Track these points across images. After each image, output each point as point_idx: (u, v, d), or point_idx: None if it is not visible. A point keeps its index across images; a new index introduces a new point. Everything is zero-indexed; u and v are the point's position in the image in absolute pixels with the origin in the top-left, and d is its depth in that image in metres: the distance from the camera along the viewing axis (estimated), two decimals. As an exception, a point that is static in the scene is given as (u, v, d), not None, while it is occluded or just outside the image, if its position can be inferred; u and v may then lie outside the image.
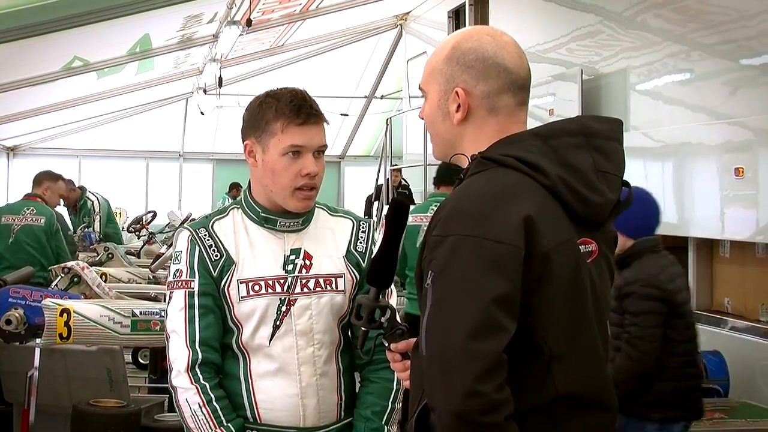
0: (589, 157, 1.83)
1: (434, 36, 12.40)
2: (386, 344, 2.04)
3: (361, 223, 2.63)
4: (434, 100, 1.92)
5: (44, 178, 8.07)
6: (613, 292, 2.98)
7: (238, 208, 2.56)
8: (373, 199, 12.97)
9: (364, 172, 17.62)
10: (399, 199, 2.08)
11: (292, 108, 2.42)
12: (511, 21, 8.84)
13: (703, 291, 5.79)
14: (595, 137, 1.86)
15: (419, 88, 1.98)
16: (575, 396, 1.79)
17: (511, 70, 1.87)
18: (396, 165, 12.45)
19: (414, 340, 2.03)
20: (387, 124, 12.43)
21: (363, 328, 2.07)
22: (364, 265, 2.56)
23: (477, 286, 1.66)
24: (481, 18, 10.83)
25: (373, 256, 2.10)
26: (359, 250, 2.58)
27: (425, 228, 1.89)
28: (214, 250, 2.47)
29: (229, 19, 10.15)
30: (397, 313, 2.05)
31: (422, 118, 1.97)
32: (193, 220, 2.63)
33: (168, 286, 2.52)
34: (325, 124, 2.50)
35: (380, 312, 2.01)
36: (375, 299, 2.01)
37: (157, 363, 6.30)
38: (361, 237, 2.60)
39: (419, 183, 11.44)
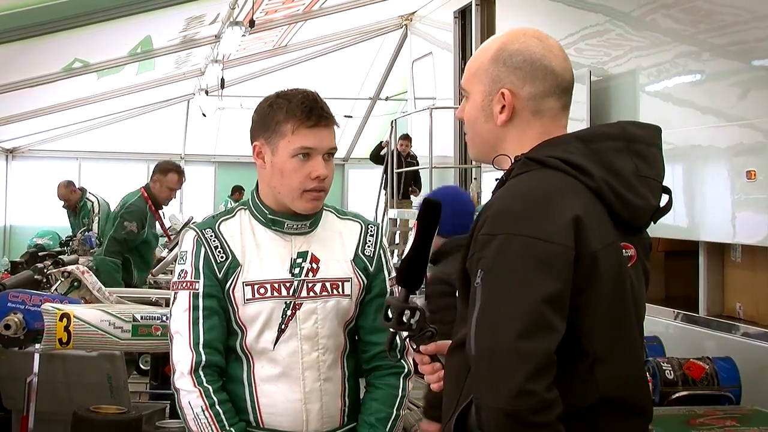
0: (630, 161, 1.86)
1: (440, 37, 12.39)
2: (414, 346, 2.05)
3: (369, 226, 2.64)
4: (477, 101, 1.93)
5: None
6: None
7: (245, 209, 2.57)
8: (377, 159, 12.75)
9: (369, 175, 17.62)
10: (432, 199, 2.05)
11: (303, 110, 2.43)
12: (518, 21, 8.84)
13: (714, 296, 5.77)
14: (636, 142, 1.88)
15: (461, 87, 1.99)
16: (617, 399, 1.81)
17: (557, 73, 1.90)
18: (407, 135, 12.35)
19: (445, 342, 2.04)
20: (392, 126, 12.43)
21: (391, 330, 2.06)
22: (371, 269, 2.57)
23: (528, 286, 1.68)
24: (488, 18, 10.83)
25: (403, 256, 2.08)
26: (367, 254, 2.58)
27: None
28: (219, 252, 2.47)
29: (231, 19, 10.15)
30: (426, 315, 2.03)
31: (460, 119, 1.99)
32: (196, 222, 2.63)
33: (172, 286, 2.52)
34: (335, 126, 2.51)
35: (410, 314, 2.00)
36: (404, 300, 2.01)
37: (159, 369, 6.30)
38: (369, 241, 2.60)
39: (425, 185, 11.44)
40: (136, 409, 4.66)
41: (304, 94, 2.47)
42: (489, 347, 1.69)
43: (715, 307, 5.76)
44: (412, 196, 11.96)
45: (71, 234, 10.35)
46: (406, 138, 12.15)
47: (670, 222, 6.11)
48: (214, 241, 2.48)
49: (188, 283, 2.46)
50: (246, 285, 2.45)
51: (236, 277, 2.46)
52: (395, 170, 12.03)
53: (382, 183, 13.14)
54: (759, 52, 5.37)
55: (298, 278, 2.48)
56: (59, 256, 7.26)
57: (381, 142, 12.80)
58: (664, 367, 4.65)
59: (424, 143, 11.03)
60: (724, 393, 4.69)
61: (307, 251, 2.51)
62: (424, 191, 11.33)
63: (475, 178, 10.64)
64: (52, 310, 4.37)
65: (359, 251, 2.57)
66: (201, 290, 2.45)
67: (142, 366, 7.63)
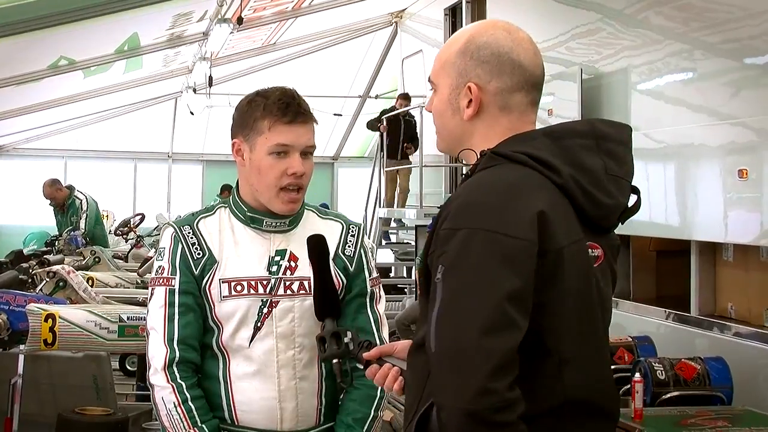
0: (599, 160, 1.84)
1: (430, 34, 12.40)
2: (359, 364, 2.12)
3: (350, 226, 2.65)
4: (444, 94, 1.92)
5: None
6: None
7: (225, 207, 2.60)
8: (375, 125, 12.49)
9: (358, 174, 17.59)
10: (313, 237, 2.42)
11: (280, 106, 2.45)
12: (509, 18, 8.79)
13: (705, 296, 5.78)
14: (606, 140, 1.86)
15: (429, 80, 1.97)
16: (583, 401, 1.79)
17: (526, 68, 1.87)
18: (407, 93, 12.24)
19: (388, 345, 2.09)
20: (381, 123, 12.41)
21: (334, 360, 2.17)
22: (351, 269, 2.59)
23: (490, 281, 1.66)
24: (478, 15, 10.84)
25: (313, 292, 2.29)
26: (347, 254, 2.60)
27: None
28: (196, 248, 2.50)
29: (219, 16, 10.14)
30: (355, 333, 2.18)
31: (429, 111, 1.97)
32: (175, 219, 2.66)
33: (150, 282, 2.56)
34: (314, 124, 2.52)
35: (342, 336, 2.12)
36: (333, 327, 2.16)
37: (146, 370, 6.29)
38: (350, 241, 2.62)
39: (414, 184, 11.45)
40: (123, 411, 4.66)
41: (281, 92, 2.49)
42: (449, 344, 1.66)
43: (706, 306, 5.77)
44: (408, 154, 11.79)
45: (57, 233, 10.32)
46: (405, 98, 12.03)
47: (661, 221, 6.13)
48: (191, 237, 2.51)
49: (165, 280, 2.49)
50: (222, 282, 2.48)
51: (213, 274, 2.48)
52: (386, 165, 11.97)
53: (377, 151, 12.95)
54: (751, 50, 5.38)
55: (276, 276, 2.50)
56: (45, 256, 7.24)
57: (383, 110, 12.49)
58: (655, 368, 4.67)
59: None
60: (716, 393, 4.70)
61: (286, 249, 2.53)
62: (414, 190, 11.32)
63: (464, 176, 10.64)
64: (37, 310, 4.36)
65: (339, 251, 2.59)
66: (177, 287, 2.47)
67: (128, 367, 7.63)
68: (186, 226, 2.53)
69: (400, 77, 13.57)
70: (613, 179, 1.84)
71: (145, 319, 4.50)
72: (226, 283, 2.48)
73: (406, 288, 11.76)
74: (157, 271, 2.51)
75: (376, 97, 16.60)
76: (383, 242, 12.42)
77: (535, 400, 1.70)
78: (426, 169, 10.79)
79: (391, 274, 12.68)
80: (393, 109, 11.95)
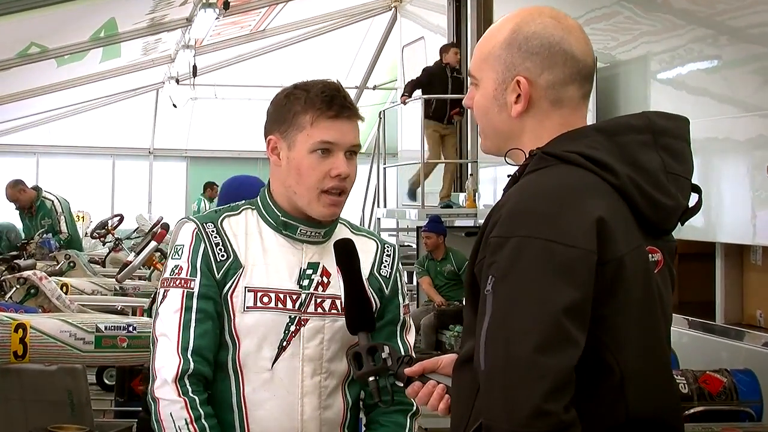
0: (657, 156, 1.83)
1: (433, 20, 12.41)
2: (399, 382, 2.06)
3: (386, 246, 2.61)
4: (489, 89, 1.90)
5: None
6: None
7: (252, 208, 2.53)
8: (415, 87, 11.58)
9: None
10: (341, 241, 2.31)
11: (324, 99, 2.40)
12: (518, 3, 8.84)
13: (732, 302, 5.78)
14: (663, 135, 1.86)
15: (469, 74, 1.97)
16: (648, 420, 1.79)
17: (578, 58, 1.87)
18: (454, 43, 11.51)
19: (432, 360, 2.04)
20: (380, 118, 12.43)
21: (371, 378, 2.08)
22: (386, 291, 2.54)
23: (545, 294, 1.65)
24: (485, 0, 10.85)
25: (343, 302, 2.20)
26: (383, 274, 2.55)
27: None
28: (220, 249, 2.43)
29: (204, 1, 10.14)
30: (392, 348, 2.10)
31: (469, 107, 1.96)
32: (166, 223, 2.61)
33: (163, 283, 2.46)
34: (359, 121, 2.49)
35: (379, 351, 2.04)
36: (367, 341, 2.08)
37: (124, 383, 6.28)
38: (386, 261, 2.58)
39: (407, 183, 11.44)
40: (100, 429, 4.65)
41: (325, 84, 2.45)
42: (501, 362, 1.65)
43: (733, 314, 5.77)
44: (455, 121, 11.25)
45: (27, 237, 10.31)
46: (454, 48, 11.32)
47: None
48: (215, 237, 2.43)
49: (183, 281, 2.40)
50: (248, 291, 2.40)
51: (237, 280, 2.41)
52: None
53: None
54: (781, 35, 5.38)
55: (307, 291, 2.44)
56: (15, 261, 7.24)
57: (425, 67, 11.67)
58: (678, 381, 4.66)
59: (415, 136, 11.03)
60: (744, 408, 4.70)
61: (319, 263, 2.47)
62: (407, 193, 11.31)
63: (471, 175, 10.64)
64: (7, 320, 4.35)
65: (375, 270, 2.54)
66: (197, 290, 2.39)
67: (106, 381, 7.62)
68: (209, 224, 2.45)
69: (400, 66, 13.58)
70: (673, 178, 1.84)
71: (124, 329, 4.51)
72: (252, 293, 2.41)
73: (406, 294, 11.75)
74: (172, 270, 2.42)
75: (374, 87, 16.61)
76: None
77: (595, 421, 1.70)
78: (428, 166, 10.78)
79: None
80: (438, 65, 11.16)
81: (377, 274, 2.54)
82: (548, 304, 1.65)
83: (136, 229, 12.03)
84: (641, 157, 1.82)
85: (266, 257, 2.45)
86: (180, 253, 2.44)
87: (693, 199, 1.91)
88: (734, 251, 5.82)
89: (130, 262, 7.68)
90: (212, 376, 2.40)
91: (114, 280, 7.77)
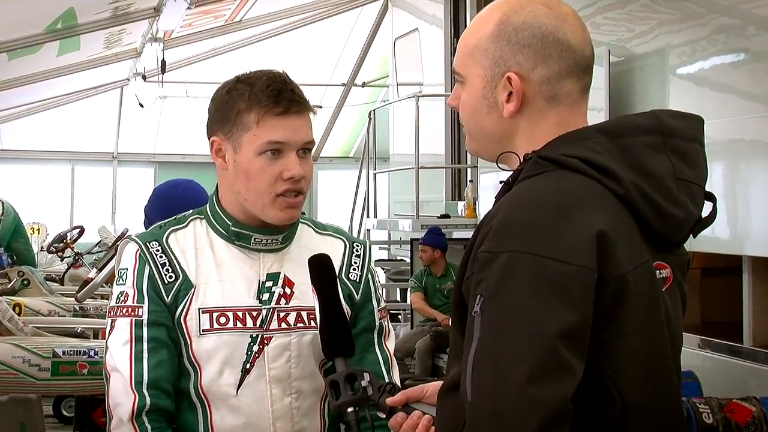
0: (667, 161, 1.83)
1: (428, 9, 12.42)
2: (380, 413, 2.07)
3: (354, 245, 2.63)
4: (476, 87, 1.89)
5: None
6: None
7: (201, 218, 2.54)
8: None
9: (342, 177, 17.62)
10: (315, 257, 2.32)
11: (270, 94, 2.40)
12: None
13: (761, 322, 5.78)
14: (674, 137, 1.85)
15: (453, 70, 1.96)
16: None
17: (575, 49, 1.86)
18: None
19: (415, 389, 2.05)
20: (370, 118, 12.45)
21: (350, 409, 2.10)
22: (357, 297, 2.56)
23: (539, 316, 1.64)
24: (486, -14, 10.86)
25: (319, 326, 2.22)
26: (352, 278, 2.57)
27: None
28: (167, 270, 2.45)
29: (173, -12, 10.15)
30: (373, 375, 2.11)
31: (454, 107, 1.95)
32: (138, 233, 2.59)
33: (110, 312, 2.48)
34: (311, 114, 2.48)
35: (358, 379, 2.06)
36: (345, 368, 2.09)
37: (85, 415, 6.26)
38: (355, 263, 2.59)
39: (409, 191, 11.45)
40: (57, 466, 4.63)
41: (270, 76, 2.44)
42: (490, 392, 1.64)
43: (762, 335, 5.77)
44: None
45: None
46: None
47: (707, 233, 6.12)
48: (161, 256, 2.46)
49: (130, 309, 2.42)
50: (202, 312, 2.43)
51: (189, 302, 2.43)
52: None
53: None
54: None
55: (268, 306, 2.46)
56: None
57: None
58: (701, 410, 4.66)
59: (408, 139, 11.05)
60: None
61: (279, 273, 2.49)
62: (406, 197, 11.32)
63: (471, 181, 10.65)
64: (-48, 344, 4.34)
65: (343, 275, 2.55)
66: (146, 317, 2.41)
67: (64, 412, 7.60)
68: (153, 242, 2.47)
69: (392, 61, 13.60)
70: (684, 185, 1.83)
71: (85, 354, 4.49)
72: (207, 314, 2.43)
73: (400, 314, 11.76)
74: (118, 298, 2.45)
75: (363, 85, 16.63)
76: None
77: None
78: (423, 172, 10.80)
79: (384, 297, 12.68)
80: None
81: (346, 279, 2.56)
82: (542, 328, 1.64)
83: (98, 243, 12.01)
84: (648, 162, 1.81)
85: (220, 272, 2.46)
86: (124, 278, 2.46)
87: (707, 208, 1.90)
88: (763, 265, 5.82)
89: (92, 280, 7.66)
90: (175, 407, 2.42)
91: (73, 299, 7.75)
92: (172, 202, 4.11)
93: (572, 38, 1.87)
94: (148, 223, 4.04)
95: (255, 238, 2.48)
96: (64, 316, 7.52)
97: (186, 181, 4.14)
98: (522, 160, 1.85)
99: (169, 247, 2.48)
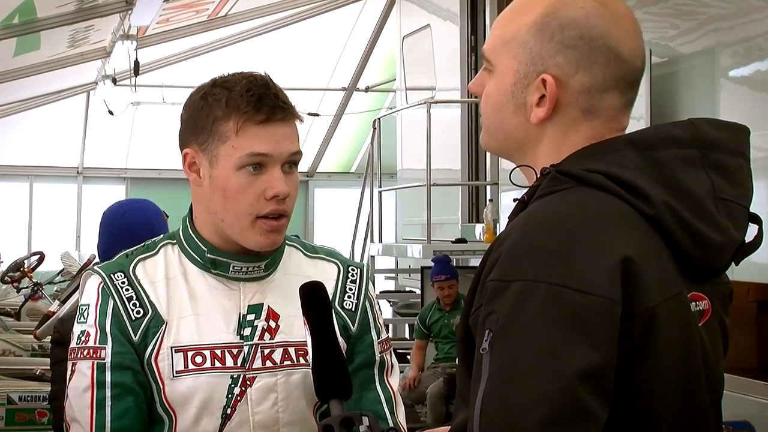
0: (705, 178, 1.83)
1: (441, 3, 12.45)
2: None
3: (350, 269, 2.64)
4: (506, 82, 1.90)
5: None
6: None
7: (173, 243, 2.56)
8: None
9: (342, 196, 17.65)
10: (307, 285, 2.29)
11: (251, 99, 2.41)
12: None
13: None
14: (714, 150, 1.86)
15: (483, 55, 1.96)
16: None
17: (624, 59, 1.87)
18: None
19: None
20: (374, 128, 12.46)
21: None
22: (353, 329, 2.57)
23: (555, 354, 1.65)
24: (508, -23, 10.89)
25: (311, 364, 2.21)
26: (347, 307, 2.59)
27: None
28: (134, 304, 2.46)
29: (148, -22, 10.19)
30: (374, 417, 2.12)
31: (476, 94, 1.97)
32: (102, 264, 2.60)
33: (70, 354, 2.49)
34: (297, 122, 2.49)
35: (356, 424, 2.07)
36: (342, 411, 2.11)
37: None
38: (350, 289, 2.61)
39: (419, 211, 11.46)
40: None
41: (249, 79, 2.45)
42: None
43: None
44: None
45: None
46: None
47: (764, 260, 6.12)
48: (126, 289, 2.47)
49: (91, 350, 2.43)
50: (175, 351, 2.44)
51: (159, 340, 2.44)
52: None
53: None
54: None
55: (250, 342, 2.47)
56: None
57: None
58: (757, 465, 4.67)
59: (419, 152, 11.05)
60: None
61: (262, 304, 2.51)
62: (415, 218, 11.32)
63: (490, 200, 10.65)
64: None
65: (337, 303, 2.57)
66: (109, 359, 2.42)
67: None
68: (118, 273, 2.48)
69: (400, 62, 13.61)
70: (725, 204, 1.84)
71: (44, 400, 4.50)
72: (181, 353, 2.44)
73: (408, 354, 11.75)
74: (79, 338, 2.46)
75: (367, 89, 16.65)
76: (377, 290, 12.45)
77: None
78: (436, 190, 10.80)
79: (389, 334, 12.69)
80: None
81: (339, 309, 2.57)
82: (559, 368, 1.64)
83: (60, 272, 12.03)
84: (683, 179, 1.81)
85: (194, 305, 2.48)
86: (85, 315, 2.47)
87: (752, 231, 1.90)
88: (830, 298, 5.83)
89: (53, 314, 7.67)
90: None
91: (31, 336, 7.76)
92: (114, 227, 4.15)
93: (624, 46, 1.86)
94: (100, 252, 4.08)
95: (234, 266, 2.50)
96: (21, 356, 7.52)
97: (130, 201, 4.18)
98: (539, 174, 1.86)
99: (137, 278, 2.48)
